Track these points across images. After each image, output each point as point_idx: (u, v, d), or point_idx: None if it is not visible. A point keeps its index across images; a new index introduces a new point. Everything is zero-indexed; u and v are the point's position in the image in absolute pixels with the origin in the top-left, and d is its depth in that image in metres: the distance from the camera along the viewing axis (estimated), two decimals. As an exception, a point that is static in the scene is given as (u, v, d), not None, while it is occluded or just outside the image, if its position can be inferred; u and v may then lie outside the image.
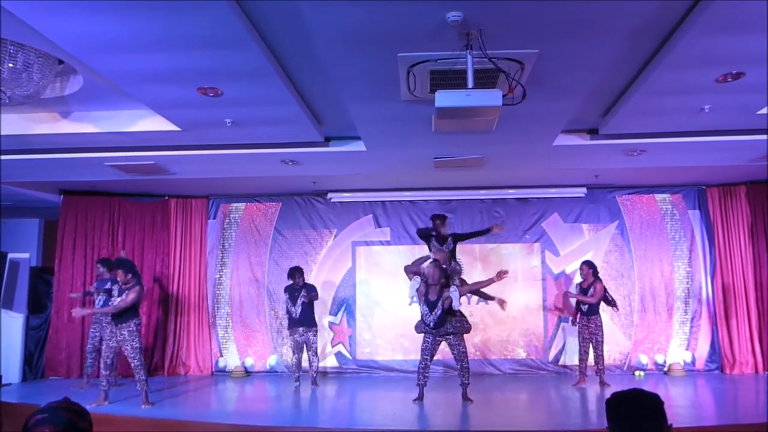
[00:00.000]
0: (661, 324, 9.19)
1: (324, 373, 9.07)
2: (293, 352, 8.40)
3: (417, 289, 7.15)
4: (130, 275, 6.86)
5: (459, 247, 7.87)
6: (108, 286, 7.67)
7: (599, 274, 8.27)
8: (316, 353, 8.31)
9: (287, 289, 8.40)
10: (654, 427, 1.99)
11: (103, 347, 7.00)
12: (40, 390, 8.19)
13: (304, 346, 8.26)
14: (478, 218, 9.50)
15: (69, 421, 1.80)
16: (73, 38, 4.05)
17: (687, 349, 9.11)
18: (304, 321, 8.21)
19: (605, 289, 8.16)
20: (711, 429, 5.47)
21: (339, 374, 9.31)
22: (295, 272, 8.31)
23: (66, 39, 4.08)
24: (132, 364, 6.80)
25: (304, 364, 8.38)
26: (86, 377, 8.18)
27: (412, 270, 7.35)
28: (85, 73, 5.08)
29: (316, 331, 8.32)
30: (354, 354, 9.46)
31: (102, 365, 6.85)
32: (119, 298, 6.80)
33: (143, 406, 6.68)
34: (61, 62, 4.92)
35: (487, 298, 7.93)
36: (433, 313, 6.93)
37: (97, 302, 8.08)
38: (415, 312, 7.49)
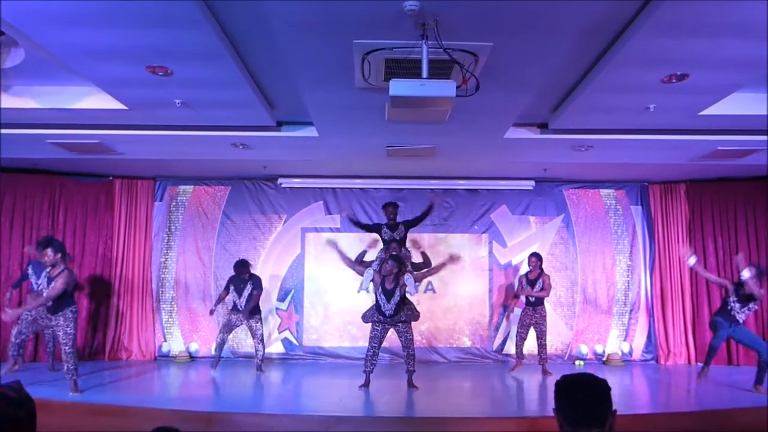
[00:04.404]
0: (601, 315, 9.47)
1: (270, 360, 9.01)
2: (221, 330, 8.29)
3: (371, 280, 7.19)
4: (59, 255, 6.44)
5: (408, 236, 7.92)
6: (29, 272, 7.42)
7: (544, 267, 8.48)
8: (262, 340, 8.23)
9: (232, 280, 8.26)
10: (601, 410, 2.04)
11: (26, 318, 6.47)
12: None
13: (248, 332, 8.22)
14: (428, 208, 9.57)
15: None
16: (16, 9, 3.88)
17: (625, 340, 9.42)
18: (244, 310, 8.14)
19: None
20: (644, 416, 5.67)
21: (285, 360, 9.26)
22: (241, 266, 8.20)
23: (8, 9, 3.90)
24: (63, 350, 6.46)
25: (249, 350, 8.31)
26: (22, 359, 7.89)
27: (357, 267, 7.43)
28: (28, 45, 4.88)
29: (259, 318, 8.24)
30: (301, 340, 9.43)
31: (14, 333, 6.45)
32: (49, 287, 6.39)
33: (71, 393, 6.37)
34: (1, 33, 4.70)
35: (439, 268, 7.96)
36: (391, 301, 6.98)
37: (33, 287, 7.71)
38: (363, 298, 7.52)
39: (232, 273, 8.33)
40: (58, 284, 6.31)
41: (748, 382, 6.98)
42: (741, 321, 7.04)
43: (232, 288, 8.24)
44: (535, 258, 8.43)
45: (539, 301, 8.27)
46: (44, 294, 6.37)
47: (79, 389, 6.47)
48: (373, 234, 8.15)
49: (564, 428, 2.07)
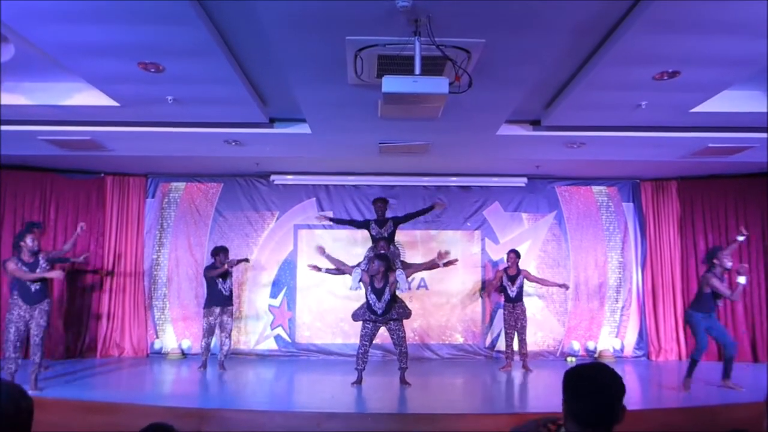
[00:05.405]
0: (593, 311, 9.51)
1: (263, 356, 9.01)
2: (204, 335, 8.18)
3: (360, 280, 7.19)
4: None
5: (400, 233, 7.92)
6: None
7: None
8: (230, 336, 8.22)
9: (210, 269, 8.17)
10: (609, 409, 1.89)
11: (12, 329, 6.48)
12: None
13: (217, 328, 8.13)
14: (421, 204, 9.54)
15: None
16: (6, 5, 3.85)
17: (616, 337, 9.46)
18: (225, 300, 8.11)
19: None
20: (636, 412, 5.70)
21: (278, 357, 9.26)
22: (220, 251, 8.18)
23: (-2, 5, 3.88)
24: (33, 341, 6.49)
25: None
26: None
27: (346, 268, 7.44)
28: (18, 41, 4.84)
29: (232, 312, 8.25)
30: (293, 337, 9.42)
31: (11, 348, 6.43)
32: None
33: (31, 391, 6.07)
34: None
35: (431, 267, 7.95)
36: (382, 299, 6.98)
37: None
38: (356, 296, 7.52)
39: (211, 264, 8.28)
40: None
41: (739, 378, 7.02)
42: (714, 312, 6.99)
43: (215, 275, 8.13)
44: (514, 254, 8.49)
45: (518, 298, 8.36)
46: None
47: (39, 387, 6.45)
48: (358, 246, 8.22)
49: (568, 425, 1.92)
